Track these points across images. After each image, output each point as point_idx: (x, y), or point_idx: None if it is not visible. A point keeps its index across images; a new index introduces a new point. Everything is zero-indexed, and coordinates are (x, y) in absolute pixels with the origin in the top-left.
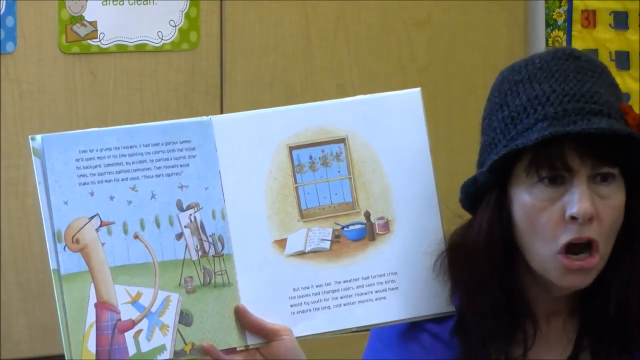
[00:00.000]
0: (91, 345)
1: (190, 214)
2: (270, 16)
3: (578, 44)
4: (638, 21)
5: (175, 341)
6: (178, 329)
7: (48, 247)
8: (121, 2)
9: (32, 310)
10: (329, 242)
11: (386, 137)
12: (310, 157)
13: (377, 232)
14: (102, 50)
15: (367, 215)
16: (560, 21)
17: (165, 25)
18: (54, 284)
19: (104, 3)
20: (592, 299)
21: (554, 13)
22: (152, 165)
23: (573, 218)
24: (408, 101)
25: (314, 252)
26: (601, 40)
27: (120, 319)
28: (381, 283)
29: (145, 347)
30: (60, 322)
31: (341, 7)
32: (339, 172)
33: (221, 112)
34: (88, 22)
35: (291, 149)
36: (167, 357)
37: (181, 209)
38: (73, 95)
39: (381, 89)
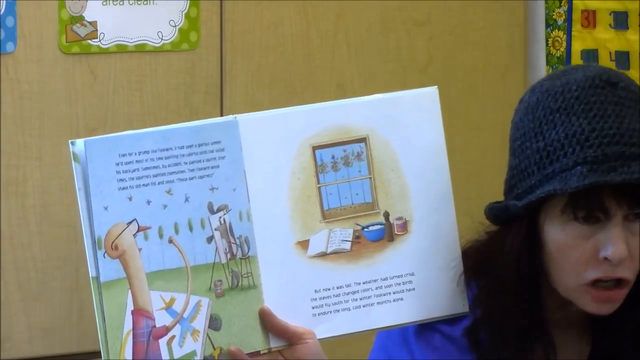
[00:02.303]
0: (128, 354)
1: (220, 217)
2: (270, 16)
3: (578, 44)
4: (638, 21)
5: (205, 346)
6: (208, 334)
7: (87, 255)
8: (121, 2)
9: (32, 310)
10: (350, 242)
11: (404, 136)
12: (333, 157)
13: (396, 232)
14: (102, 50)
15: (386, 215)
16: (560, 21)
17: (165, 25)
18: (93, 292)
19: (104, 3)
20: (607, 320)
21: (554, 13)
22: (186, 168)
23: (606, 259)
24: (425, 100)
25: (335, 253)
26: (601, 40)
27: (155, 326)
28: (399, 284)
29: (177, 353)
30: (99, 331)
31: (341, 7)
32: (359, 171)
33: (221, 112)
34: (88, 22)
35: (314, 148)
36: None
37: (212, 212)
38: (73, 95)
39: (381, 89)
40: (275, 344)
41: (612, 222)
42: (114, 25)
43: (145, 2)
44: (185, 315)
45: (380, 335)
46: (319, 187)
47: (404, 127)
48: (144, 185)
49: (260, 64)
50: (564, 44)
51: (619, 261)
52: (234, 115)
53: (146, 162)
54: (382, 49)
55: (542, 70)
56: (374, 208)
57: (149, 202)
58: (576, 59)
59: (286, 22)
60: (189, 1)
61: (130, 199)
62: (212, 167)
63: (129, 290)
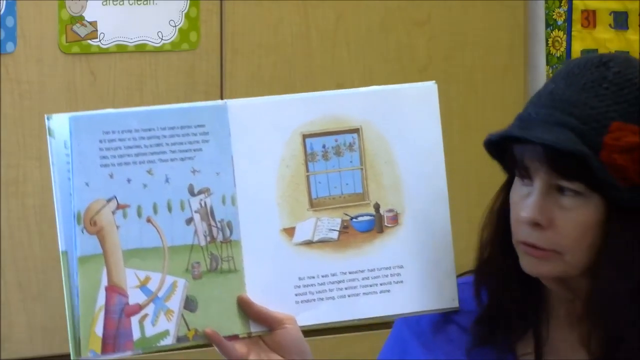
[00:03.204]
0: (99, 329)
1: (201, 199)
2: (270, 16)
3: (578, 44)
4: (638, 21)
5: (179, 327)
6: (182, 315)
7: (59, 229)
8: (121, 2)
9: (32, 310)
10: (337, 232)
11: (400, 129)
12: (324, 146)
13: (386, 224)
14: (102, 50)
15: (377, 207)
16: (560, 21)
17: (165, 25)
18: (62, 267)
19: (104, 3)
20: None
21: (554, 13)
22: (167, 149)
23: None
24: (423, 94)
25: (322, 242)
26: (601, 40)
27: (127, 303)
28: (386, 276)
29: (149, 331)
30: (66, 305)
31: (341, 7)
32: (351, 162)
33: None
34: (88, 22)
35: (305, 137)
36: (170, 343)
37: (192, 194)
38: (73, 95)
39: None
40: (255, 329)
41: (535, 185)
42: (114, 25)
43: (145, 2)
44: (159, 295)
45: (399, 322)
46: (308, 176)
47: (400, 120)
48: (125, 163)
49: (260, 64)
50: (564, 44)
51: (527, 222)
52: (224, 100)
53: (128, 140)
54: (382, 49)
55: (542, 70)
56: (364, 199)
57: (129, 181)
58: None
59: (286, 22)
60: (189, 1)
61: (111, 176)
62: (194, 150)
63: (104, 267)
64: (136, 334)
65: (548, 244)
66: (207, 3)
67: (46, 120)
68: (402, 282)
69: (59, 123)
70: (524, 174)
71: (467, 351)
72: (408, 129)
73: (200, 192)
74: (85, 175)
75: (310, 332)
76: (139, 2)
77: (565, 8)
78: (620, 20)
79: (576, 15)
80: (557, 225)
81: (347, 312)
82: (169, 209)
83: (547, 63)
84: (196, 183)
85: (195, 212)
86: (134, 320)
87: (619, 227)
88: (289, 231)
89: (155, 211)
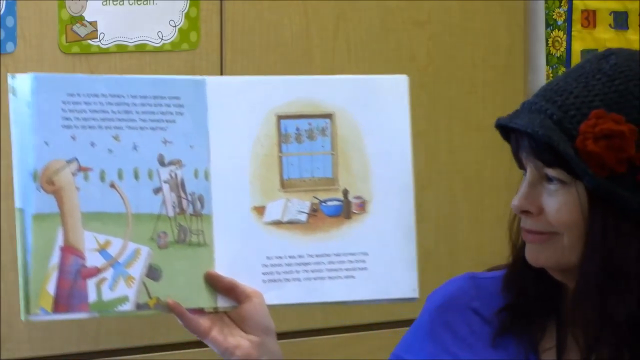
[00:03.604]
0: (51, 288)
1: (171, 170)
2: (270, 16)
3: (578, 44)
4: (638, 21)
5: (139, 294)
6: (144, 283)
7: (16, 186)
8: (121, 2)
9: None
10: (306, 215)
11: (371, 118)
12: (297, 129)
13: (353, 210)
14: (102, 50)
15: (345, 192)
16: (560, 21)
17: (165, 25)
18: (17, 224)
19: (104, 3)
20: None
21: (554, 13)
22: (137, 117)
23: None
24: (394, 86)
25: (291, 223)
26: (601, 40)
27: (84, 265)
28: (351, 262)
29: (107, 295)
30: (19, 262)
31: (341, 7)
32: (323, 147)
33: None
34: (88, 22)
35: (279, 118)
36: (129, 309)
37: (162, 164)
38: None
39: None
40: (222, 304)
41: (526, 175)
42: (114, 25)
43: (145, 2)
44: (120, 260)
45: (425, 310)
46: (280, 157)
47: (372, 109)
48: (89, 127)
49: (260, 64)
50: (564, 44)
51: (515, 210)
52: (203, 76)
53: (94, 105)
54: (382, 49)
55: (542, 70)
56: (334, 184)
57: (93, 144)
58: (576, 59)
59: (286, 22)
60: (189, 1)
61: (73, 138)
62: (166, 121)
63: (61, 227)
64: (92, 297)
65: (542, 228)
66: (207, 3)
67: (10, 79)
68: (366, 269)
69: (24, 82)
70: (519, 165)
71: (492, 340)
72: (379, 119)
73: (171, 163)
74: (45, 134)
75: (309, 332)
76: (139, 2)
77: (565, 8)
78: (620, 20)
79: (576, 15)
80: (545, 210)
81: (312, 294)
82: (136, 176)
83: (547, 63)
84: (167, 154)
85: (165, 182)
86: (91, 282)
87: (599, 217)
88: (260, 210)
89: (120, 177)
